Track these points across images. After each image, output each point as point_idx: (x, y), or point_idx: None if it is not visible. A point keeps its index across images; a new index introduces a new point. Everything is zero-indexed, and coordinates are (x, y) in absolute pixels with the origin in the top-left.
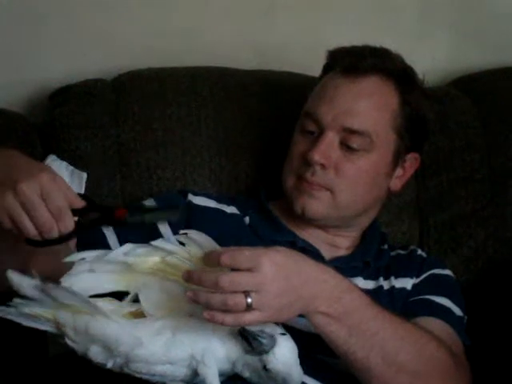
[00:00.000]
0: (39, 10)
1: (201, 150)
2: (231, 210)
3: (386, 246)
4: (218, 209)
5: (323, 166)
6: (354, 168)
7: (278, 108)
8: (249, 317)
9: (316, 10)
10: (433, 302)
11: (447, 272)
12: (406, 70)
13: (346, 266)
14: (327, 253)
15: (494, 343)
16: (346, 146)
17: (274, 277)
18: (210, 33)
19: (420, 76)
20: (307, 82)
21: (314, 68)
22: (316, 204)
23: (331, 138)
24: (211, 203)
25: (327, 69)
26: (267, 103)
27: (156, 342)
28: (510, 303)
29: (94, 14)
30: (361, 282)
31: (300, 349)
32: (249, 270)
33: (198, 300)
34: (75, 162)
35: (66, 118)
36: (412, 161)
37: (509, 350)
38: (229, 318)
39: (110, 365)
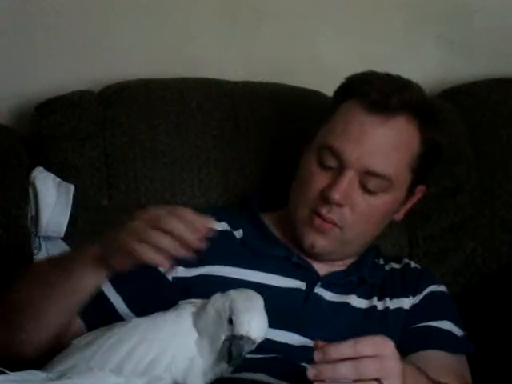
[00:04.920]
0: (26, 22)
1: (189, 161)
2: (221, 226)
3: (381, 261)
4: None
5: (341, 205)
6: (369, 208)
7: (266, 119)
8: None
9: (304, 22)
10: (437, 330)
11: (443, 288)
12: (428, 105)
13: (341, 282)
14: (322, 269)
15: (482, 353)
16: (364, 187)
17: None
18: (197, 44)
19: None
20: (295, 93)
21: (302, 79)
22: (325, 241)
23: (352, 178)
24: None
25: (344, 96)
26: (255, 114)
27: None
28: (499, 314)
29: (82, 26)
30: (355, 301)
31: (282, 358)
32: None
33: None
34: (62, 173)
35: (53, 130)
36: (419, 192)
37: (497, 359)
38: None
39: None
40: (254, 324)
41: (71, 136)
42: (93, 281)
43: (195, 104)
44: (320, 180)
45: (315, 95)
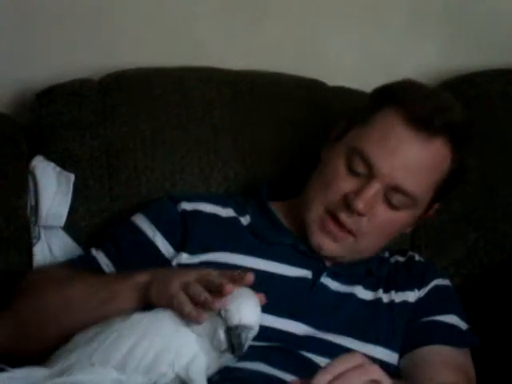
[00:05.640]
0: (26, 10)
1: (190, 150)
2: (227, 212)
3: (386, 254)
4: (214, 213)
5: (361, 214)
6: (388, 221)
7: (268, 108)
8: None
9: (307, 12)
10: (443, 324)
11: (447, 282)
12: (464, 127)
13: (347, 273)
14: (329, 259)
15: (484, 346)
16: (388, 200)
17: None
18: (199, 33)
19: (411, 78)
20: (296, 82)
21: (304, 68)
22: (336, 247)
23: (379, 190)
24: (206, 207)
25: (385, 102)
26: (257, 103)
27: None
28: (501, 306)
29: (82, 14)
30: (360, 292)
31: (284, 346)
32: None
33: None
34: (62, 162)
35: (53, 118)
36: (433, 209)
37: (498, 352)
38: None
39: None
40: (244, 311)
41: (71, 125)
42: (131, 306)
43: (196, 93)
44: (345, 184)
45: (316, 84)
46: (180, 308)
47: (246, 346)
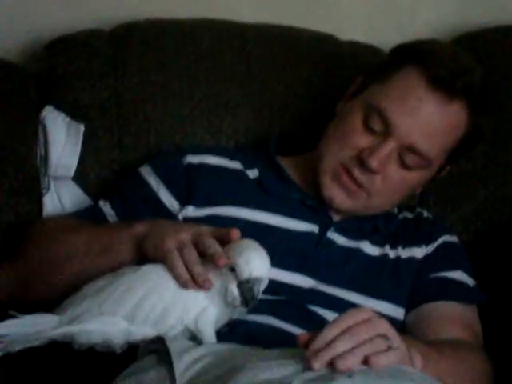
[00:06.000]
0: None
1: (199, 103)
2: (234, 165)
3: (395, 210)
4: (220, 166)
5: (374, 172)
6: (400, 181)
7: (278, 61)
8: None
9: None
10: (450, 280)
11: (455, 239)
12: (484, 91)
13: (354, 228)
14: (335, 213)
15: (491, 302)
16: (401, 160)
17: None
18: None
19: (423, 33)
20: (308, 36)
21: (315, 22)
22: (348, 201)
23: (393, 148)
24: (213, 159)
25: (406, 60)
26: (267, 56)
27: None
28: (509, 263)
29: None
30: (367, 248)
31: (292, 300)
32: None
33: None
34: (72, 113)
35: (63, 69)
36: (445, 171)
37: (506, 308)
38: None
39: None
40: (253, 263)
41: (81, 75)
42: (128, 257)
43: (206, 45)
44: (360, 140)
45: (328, 38)
46: (171, 269)
47: (257, 299)
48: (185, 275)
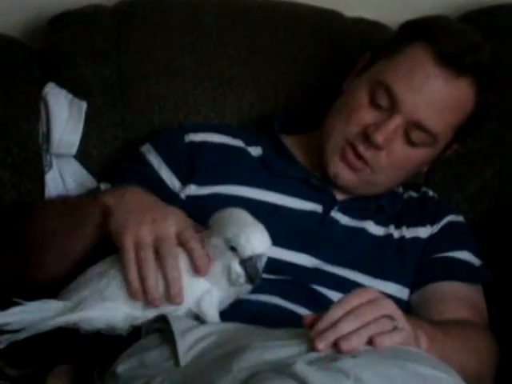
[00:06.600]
0: None
1: (203, 80)
2: (236, 143)
3: (400, 189)
4: (222, 143)
5: (380, 148)
6: (405, 158)
7: (283, 38)
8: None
9: None
10: (456, 260)
11: (461, 219)
12: (492, 69)
13: (358, 208)
14: (340, 193)
15: (497, 282)
16: (407, 137)
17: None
18: None
19: (430, 10)
20: (313, 13)
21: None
22: (353, 177)
23: (399, 124)
24: (215, 137)
25: (414, 36)
26: (272, 33)
27: None
28: None
29: None
30: (371, 227)
31: (296, 280)
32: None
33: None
34: (75, 90)
35: (65, 45)
36: (451, 149)
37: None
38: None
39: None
40: (254, 240)
41: (84, 52)
42: (100, 233)
43: (211, 22)
44: (366, 116)
45: (333, 15)
46: (124, 272)
47: (261, 275)
48: (135, 283)
